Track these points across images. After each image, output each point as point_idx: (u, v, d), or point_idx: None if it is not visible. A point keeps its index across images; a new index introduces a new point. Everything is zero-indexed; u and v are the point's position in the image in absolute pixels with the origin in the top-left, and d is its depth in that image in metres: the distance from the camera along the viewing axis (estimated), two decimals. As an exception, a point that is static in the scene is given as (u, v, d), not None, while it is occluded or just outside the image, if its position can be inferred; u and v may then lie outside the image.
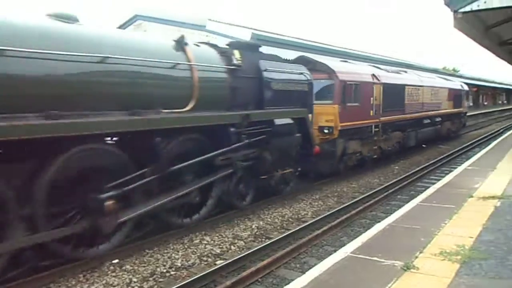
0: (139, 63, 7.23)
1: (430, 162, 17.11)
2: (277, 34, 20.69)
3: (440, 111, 21.55)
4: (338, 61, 15.25)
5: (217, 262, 7.24)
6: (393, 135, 16.47)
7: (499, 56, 23.97)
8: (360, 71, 14.63)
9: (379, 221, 7.96)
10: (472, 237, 6.04)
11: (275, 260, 7.03)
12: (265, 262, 6.88)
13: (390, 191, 12.06)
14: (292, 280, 5.23)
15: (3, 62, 5.61)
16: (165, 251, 7.75)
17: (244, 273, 6.44)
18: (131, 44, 7.59)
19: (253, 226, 9.14)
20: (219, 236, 8.49)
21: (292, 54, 17.44)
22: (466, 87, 27.12)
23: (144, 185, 7.28)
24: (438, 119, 21.45)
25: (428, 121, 20.03)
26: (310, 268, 5.54)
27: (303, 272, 5.83)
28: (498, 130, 31.20)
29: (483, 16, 13.16)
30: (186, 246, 7.97)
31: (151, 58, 7.44)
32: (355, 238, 6.61)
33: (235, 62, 9.18)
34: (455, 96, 24.18)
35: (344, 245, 6.61)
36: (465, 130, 29.62)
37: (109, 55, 6.77)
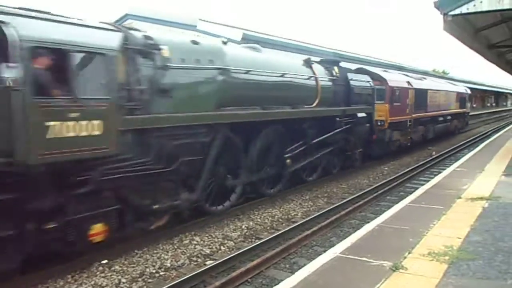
0: (293, 76, 11.30)
1: (419, 164, 17.24)
2: (267, 34, 20.72)
3: (450, 111, 26.12)
4: (382, 71, 19.20)
5: (207, 263, 7.23)
6: (419, 128, 20.82)
7: (488, 59, 24.22)
8: (400, 79, 19.13)
9: (368, 222, 8.00)
10: (460, 238, 6.09)
11: (265, 261, 7.03)
12: (254, 262, 6.88)
13: (380, 192, 12.12)
14: (282, 280, 5.24)
15: (249, 76, 9.76)
16: (155, 251, 7.72)
17: (234, 274, 6.43)
18: (289, 64, 11.82)
19: (243, 227, 9.13)
20: (209, 237, 8.48)
21: (283, 55, 17.61)
22: (469, 91, 31.71)
23: (300, 152, 11.65)
24: (449, 117, 26.06)
25: (442, 118, 24.61)
26: (300, 268, 5.55)
27: (293, 273, 5.84)
28: (487, 132, 31.51)
29: (472, 19, 13.30)
30: (175, 247, 7.94)
31: (298, 73, 11.64)
32: (345, 238, 6.63)
33: (335, 75, 13.33)
34: (461, 98, 28.73)
35: (333, 245, 6.63)
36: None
37: (284, 72, 10.90)
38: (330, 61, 14.17)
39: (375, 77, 16.54)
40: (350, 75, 14.14)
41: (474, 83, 55.19)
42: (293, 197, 11.64)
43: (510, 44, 19.47)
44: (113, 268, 6.97)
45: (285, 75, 10.89)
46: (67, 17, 6.60)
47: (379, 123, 16.45)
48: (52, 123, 5.74)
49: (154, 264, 7.15)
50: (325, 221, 9.28)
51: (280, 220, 9.76)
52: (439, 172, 13.01)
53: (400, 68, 32.33)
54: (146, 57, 7.30)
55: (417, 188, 10.26)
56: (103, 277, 6.66)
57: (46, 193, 6.01)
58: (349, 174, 14.88)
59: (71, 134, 5.97)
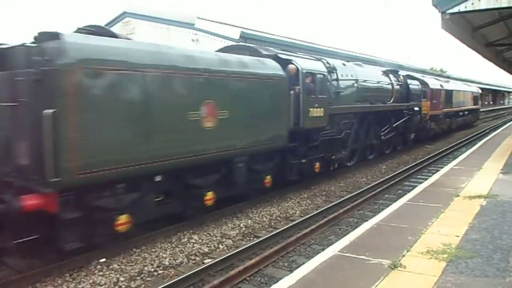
0: (382, 83, 16.83)
1: (417, 162, 17.26)
2: (265, 33, 20.70)
3: (467, 107, 32.64)
4: (421, 76, 24.43)
5: (205, 261, 7.22)
6: (447, 120, 26.87)
7: (485, 57, 24.26)
8: (436, 83, 25.04)
9: (366, 220, 8.01)
10: (458, 236, 6.10)
11: (263, 259, 7.03)
12: (253, 261, 6.88)
13: (378, 190, 12.13)
14: (280, 279, 5.24)
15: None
16: (153, 250, 7.71)
17: (232, 272, 6.43)
18: (377, 74, 16.95)
19: (241, 225, 9.13)
20: (207, 235, 8.47)
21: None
22: (480, 91, 39.03)
23: (387, 132, 17.52)
24: (466, 112, 32.40)
25: (461, 113, 30.90)
26: (298, 266, 5.55)
27: (291, 271, 5.84)
28: (484, 130, 31.57)
29: (470, 17, 13.32)
30: (173, 245, 7.94)
31: (383, 80, 17.01)
32: (343, 237, 6.64)
33: (400, 80, 18.89)
34: (474, 97, 35.49)
35: (332, 244, 6.64)
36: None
37: (378, 80, 16.42)
38: (394, 71, 19.58)
39: (420, 81, 22.07)
40: (408, 80, 19.79)
41: (472, 82, 55.29)
42: (291, 196, 11.63)
43: (508, 42, 19.51)
44: (111, 267, 6.96)
45: (379, 82, 16.56)
46: (311, 57, 12.85)
47: (423, 116, 21.58)
48: (310, 109, 11.36)
49: (152, 262, 7.14)
50: (323, 219, 9.28)
51: (279, 218, 9.76)
52: (437, 170, 13.02)
53: (397, 67, 32.36)
54: (331, 75, 12.96)
55: (415, 187, 10.27)
56: (101, 275, 6.64)
57: (303, 144, 11.71)
58: (347, 172, 14.90)
59: (315, 115, 11.59)
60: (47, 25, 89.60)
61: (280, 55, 11.18)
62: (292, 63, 11.00)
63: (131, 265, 7.02)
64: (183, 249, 7.73)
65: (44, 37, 6.57)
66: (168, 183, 8.07)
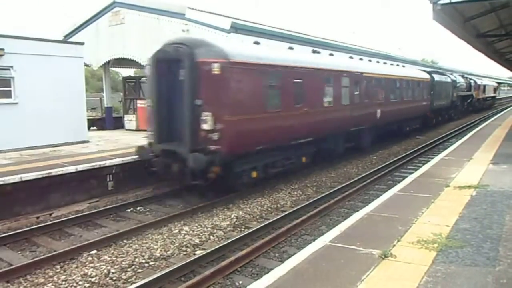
0: (462, 83, 35.28)
1: (408, 152, 17.34)
2: (255, 23, 20.55)
3: (490, 95, 52.53)
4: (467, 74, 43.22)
5: (196, 252, 7.21)
6: (481, 102, 46.13)
7: (476, 48, 24.33)
8: (477, 80, 43.57)
9: (357, 210, 8.01)
10: (448, 226, 6.12)
11: (255, 250, 7.03)
12: (244, 251, 6.88)
13: (368, 180, 12.18)
14: (272, 269, 5.23)
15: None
16: (144, 241, 7.68)
17: (224, 263, 6.43)
18: (459, 78, 34.91)
19: (232, 216, 9.12)
20: (198, 226, 8.45)
21: (271, 44, 17.52)
22: (496, 84, 60.31)
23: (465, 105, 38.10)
24: (489, 98, 52.11)
25: (488, 98, 50.92)
26: (289, 257, 5.54)
27: (282, 261, 5.84)
28: (475, 121, 31.80)
29: (461, 8, 13.30)
30: (165, 236, 7.91)
31: (461, 81, 34.91)
32: (334, 227, 6.63)
33: (467, 80, 37.85)
34: (494, 88, 56.36)
35: (322, 234, 6.63)
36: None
37: (461, 81, 35.46)
38: (464, 76, 36.84)
39: (473, 80, 39.22)
40: (470, 80, 36.85)
41: (463, 73, 55.83)
42: (282, 186, 11.64)
43: (499, 34, 19.56)
44: (102, 258, 6.93)
45: (460, 82, 33.16)
46: (444, 72, 32.96)
47: (474, 98, 40.89)
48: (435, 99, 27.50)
49: (143, 254, 7.11)
50: (314, 210, 9.30)
51: (269, 209, 9.76)
52: (427, 161, 13.07)
53: (387, 57, 32.44)
54: (454, 83, 30.78)
55: (405, 177, 10.29)
56: (92, 267, 6.61)
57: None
58: (337, 163, 14.92)
59: (440, 103, 28.48)
60: (37, 16, 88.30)
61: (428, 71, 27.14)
62: (431, 75, 26.27)
63: (122, 257, 6.99)
64: (174, 241, 7.70)
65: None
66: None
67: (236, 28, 16.15)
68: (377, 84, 17.78)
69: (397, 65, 30.99)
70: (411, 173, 10.95)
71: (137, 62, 19.60)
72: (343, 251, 5.31)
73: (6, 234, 8.18)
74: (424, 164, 12.56)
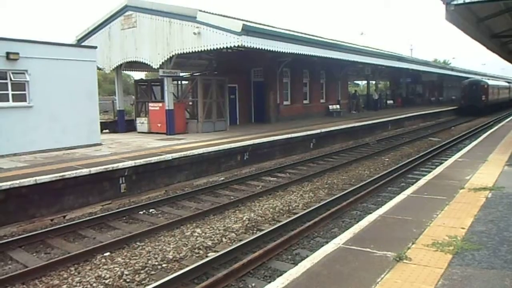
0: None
1: (421, 154, 17.19)
2: (267, 25, 20.56)
3: (509, 96, 57.65)
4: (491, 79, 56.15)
5: (209, 254, 7.20)
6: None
7: (490, 49, 24.04)
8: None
9: (370, 213, 7.93)
10: (464, 228, 6.04)
11: (267, 252, 7.00)
12: (256, 254, 6.85)
13: (381, 183, 12.08)
14: (285, 271, 5.20)
15: None
16: (157, 243, 7.70)
17: (236, 265, 6.41)
18: (507, 84, 59.35)
19: (244, 218, 9.10)
20: (210, 228, 8.45)
21: (283, 46, 17.50)
22: None
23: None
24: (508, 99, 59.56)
25: (507, 100, 56.32)
26: (302, 259, 5.51)
27: (295, 264, 5.80)
28: (488, 123, 31.45)
29: (475, 8, 13.16)
30: (177, 239, 7.92)
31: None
32: (347, 229, 6.58)
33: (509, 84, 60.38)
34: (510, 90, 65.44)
35: (335, 236, 6.59)
36: (455, 122, 32.91)
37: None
38: (508, 81, 58.99)
39: (505, 81, 58.26)
40: (510, 84, 58.20)
41: (475, 73, 55.89)
42: (294, 189, 11.61)
43: (513, 34, 19.33)
44: (115, 260, 6.95)
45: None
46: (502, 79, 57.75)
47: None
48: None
49: (156, 256, 7.13)
50: (326, 212, 9.24)
51: (281, 211, 9.73)
52: (441, 163, 12.92)
53: (399, 59, 32.28)
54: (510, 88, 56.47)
55: (419, 179, 10.18)
56: (106, 269, 6.64)
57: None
58: (349, 165, 14.84)
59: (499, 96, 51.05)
60: (48, 20, 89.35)
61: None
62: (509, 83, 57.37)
63: (135, 259, 7.01)
64: (187, 243, 7.71)
65: None
66: None
67: (247, 31, 16.15)
68: (497, 89, 42.95)
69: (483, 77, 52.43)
70: (424, 175, 10.83)
71: (149, 65, 19.70)
72: (357, 254, 5.26)
73: (22, 236, 8.30)
74: (437, 166, 12.43)
